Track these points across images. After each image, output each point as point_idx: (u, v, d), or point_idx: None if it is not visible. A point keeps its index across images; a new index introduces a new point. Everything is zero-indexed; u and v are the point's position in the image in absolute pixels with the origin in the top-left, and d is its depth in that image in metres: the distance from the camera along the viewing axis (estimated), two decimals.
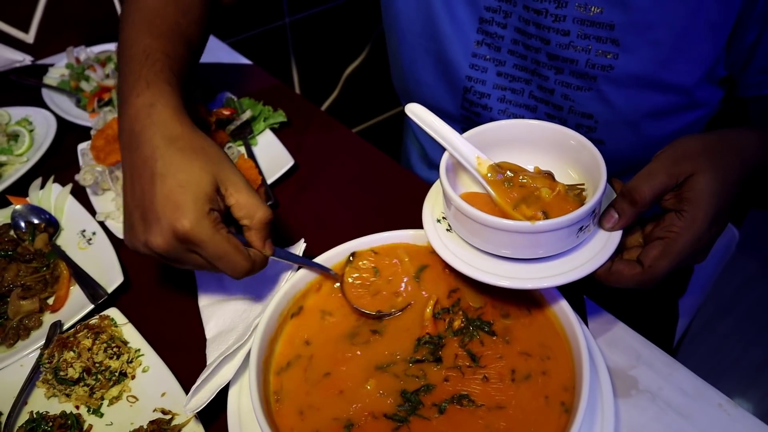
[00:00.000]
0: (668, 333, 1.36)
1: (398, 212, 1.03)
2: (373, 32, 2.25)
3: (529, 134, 0.80)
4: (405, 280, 0.84)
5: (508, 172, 0.77)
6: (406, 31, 1.13)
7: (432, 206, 0.82)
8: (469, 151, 0.77)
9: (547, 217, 0.71)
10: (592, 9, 0.92)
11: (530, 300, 0.78)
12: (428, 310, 0.79)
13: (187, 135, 0.77)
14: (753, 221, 2.59)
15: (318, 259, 0.82)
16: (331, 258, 0.83)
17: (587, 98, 0.99)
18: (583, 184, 0.76)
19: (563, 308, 0.74)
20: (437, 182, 0.82)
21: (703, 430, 0.74)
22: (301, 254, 0.89)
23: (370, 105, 2.45)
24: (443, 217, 0.80)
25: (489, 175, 0.77)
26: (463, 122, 1.17)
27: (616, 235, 0.73)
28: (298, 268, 0.83)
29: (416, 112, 0.79)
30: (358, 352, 0.77)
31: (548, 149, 0.80)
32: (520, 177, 0.76)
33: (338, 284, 0.83)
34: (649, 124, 0.99)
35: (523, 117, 1.09)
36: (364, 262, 0.85)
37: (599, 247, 0.73)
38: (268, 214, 0.76)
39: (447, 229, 0.78)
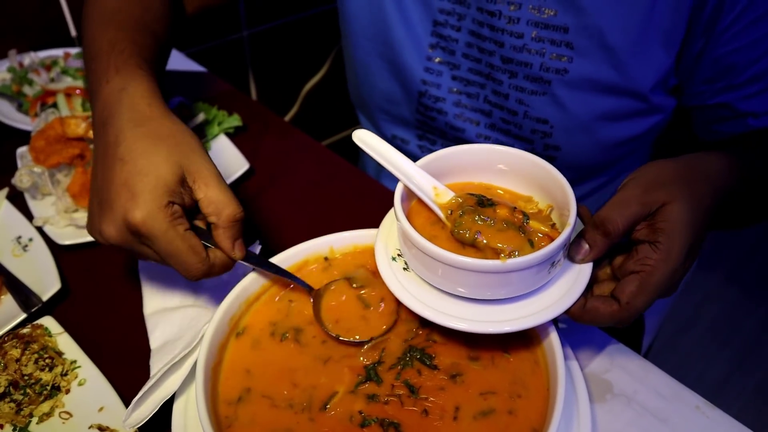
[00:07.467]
0: (635, 346, 1.33)
1: (358, 216, 0.99)
2: (333, 48, 2.22)
3: (489, 160, 0.72)
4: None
5: (471, 202, 0.68)
6: (359, 34, 1.10)
7: (385, 242, 0.72)
8: (425, 180, 0.69)
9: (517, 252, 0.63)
10: (546, 11, 0.91)
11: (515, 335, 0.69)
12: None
13: (156, 119, 0.71)
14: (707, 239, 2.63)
15: (274, 259, 0.77)
16: (288, 258, 0.78)
17: (542, 103, 0.98)
18: (551, 206, 0.70)
19: (551, 342, 0.66)
20: (389, 213, 0.75)
21: None
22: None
23: (329, 122, 2.41)
24: (399, 254, 0.71)
25: (450, 204, 0.69)
26: (418, 128, 1.15)
27: (587, 269, 0.67)
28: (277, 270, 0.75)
29: (365, 139, 0.70)
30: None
31: (511, 176, 0.73)
32: (486, 205, 0.68)
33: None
34: (605, 129, 0.98)
35: (478, 122, 1.07)
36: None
37: (570, 283, 0.66)
38: (237, 211, 0.70)
39: (404, 268, 0.70)
